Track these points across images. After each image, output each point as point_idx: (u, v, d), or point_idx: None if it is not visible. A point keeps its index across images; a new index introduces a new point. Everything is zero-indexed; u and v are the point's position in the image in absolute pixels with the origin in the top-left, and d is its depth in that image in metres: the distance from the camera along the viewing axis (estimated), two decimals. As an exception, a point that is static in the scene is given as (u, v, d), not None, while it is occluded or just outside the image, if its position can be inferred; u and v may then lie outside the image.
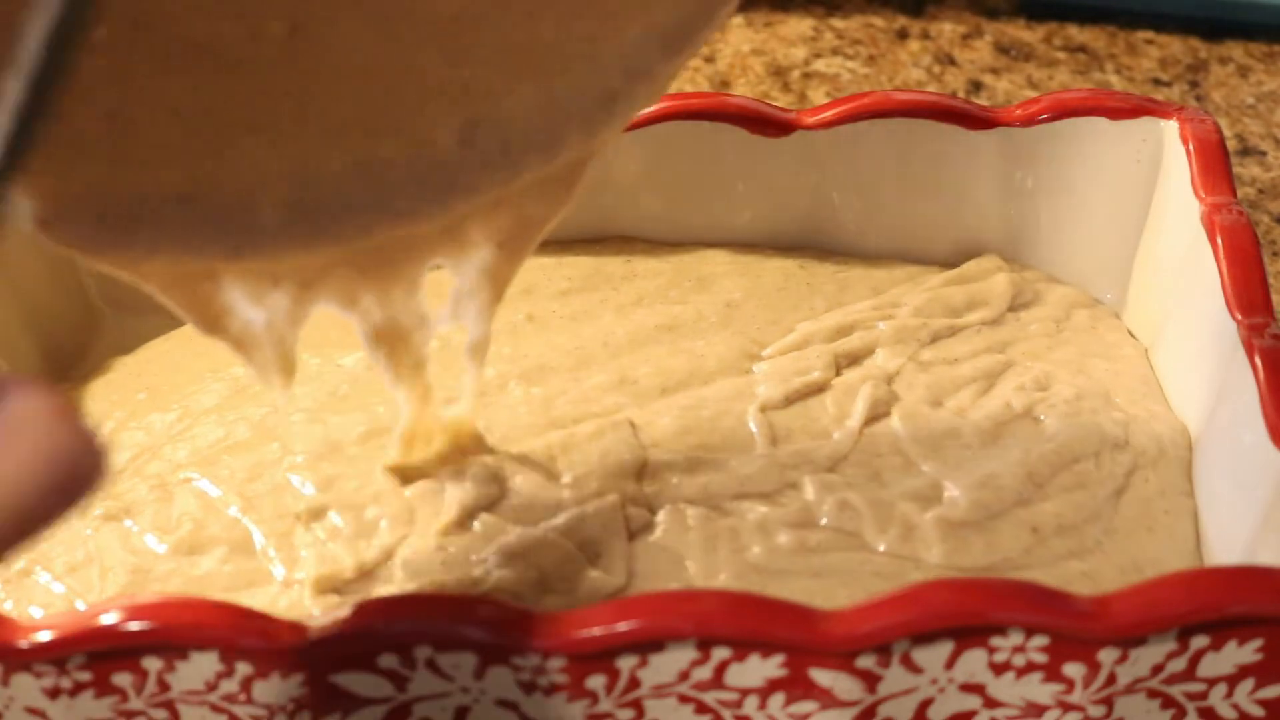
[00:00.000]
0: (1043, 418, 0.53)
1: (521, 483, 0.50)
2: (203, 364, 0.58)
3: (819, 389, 0.53)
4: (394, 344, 0.45)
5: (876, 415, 0.52)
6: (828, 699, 0.41)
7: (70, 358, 0.61)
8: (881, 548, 0.48)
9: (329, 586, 0.47)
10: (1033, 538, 0.48)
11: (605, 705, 0.41)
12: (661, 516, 0.49)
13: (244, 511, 0.50)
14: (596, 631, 0.40)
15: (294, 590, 0.48)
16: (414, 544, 0.48)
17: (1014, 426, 0.52)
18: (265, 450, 0.53)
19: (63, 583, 0.49)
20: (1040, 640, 0.40)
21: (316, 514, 0.50)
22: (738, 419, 0.52)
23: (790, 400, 0.53)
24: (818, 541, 0.48)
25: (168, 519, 0.51)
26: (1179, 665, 0.41)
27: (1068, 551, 0.48)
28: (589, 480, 0.49)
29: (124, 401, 0.57)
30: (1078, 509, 0.49)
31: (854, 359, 0.55)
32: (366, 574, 0.48)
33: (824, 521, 0.49)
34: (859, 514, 0.49)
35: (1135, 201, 0.59)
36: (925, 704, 0.42)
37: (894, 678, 0.41)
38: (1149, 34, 0.83)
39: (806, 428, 0.52)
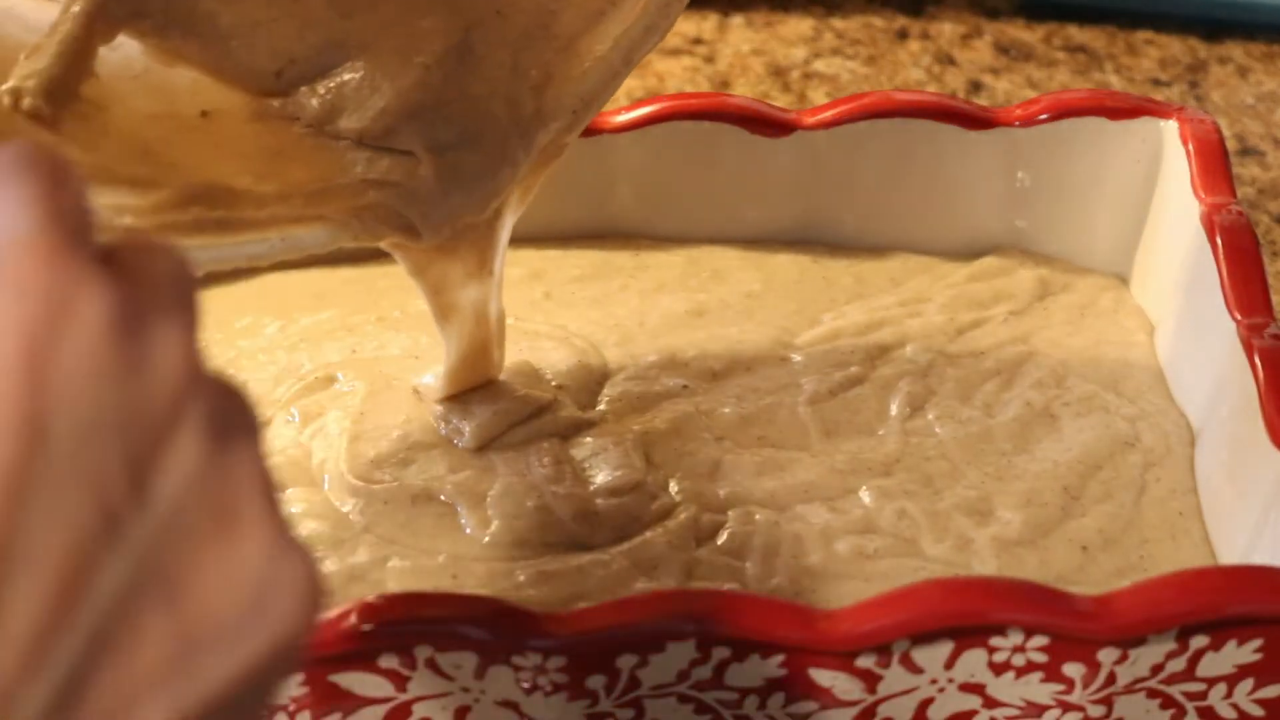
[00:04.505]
0: (1060, 416, 0.54)
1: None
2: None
3: (857, 382, 0.55)
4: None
5: (914, 410, 0.54)
6: (828, 699, 0.41)
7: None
8: (936, 555, 0.49)
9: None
10: (1083, 556, 0.49)
11: (605, 705, 0.41)
12: (731, 519, 0.50)
13: None
14: (596, 631, 0.40)
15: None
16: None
17: (1035, 427, 0.54)
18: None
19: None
20: (1040, 640, 0.40)
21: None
22: (790, 411, 0.54)
23: (834, 393, 0.55)
24: (875, 549, 0.50)
25: None
26: (1178, 665, 0.41)
27: (1115, 570, 0.49)
28: (671, 481, 0.52)
29: None
30: (1112, 519, 0.50)
31: (885, 351, 0.56)
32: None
33: (882, 528, 0.50)
34: (916, 523, 0.50)
35: (1135, 202, 0.59)
36: (925, 704, 0.42)
37: (894, 678, 0.41)
38: (1149, 34, 0.83)
39: (851, 420, 0.54)
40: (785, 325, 0.58)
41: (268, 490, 0.27)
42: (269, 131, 0.43)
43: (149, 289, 0.26)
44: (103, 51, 0.41)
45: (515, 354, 0.55)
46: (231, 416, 0.27)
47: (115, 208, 0.42)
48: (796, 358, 0.56)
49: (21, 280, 0.24)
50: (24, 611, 0.23)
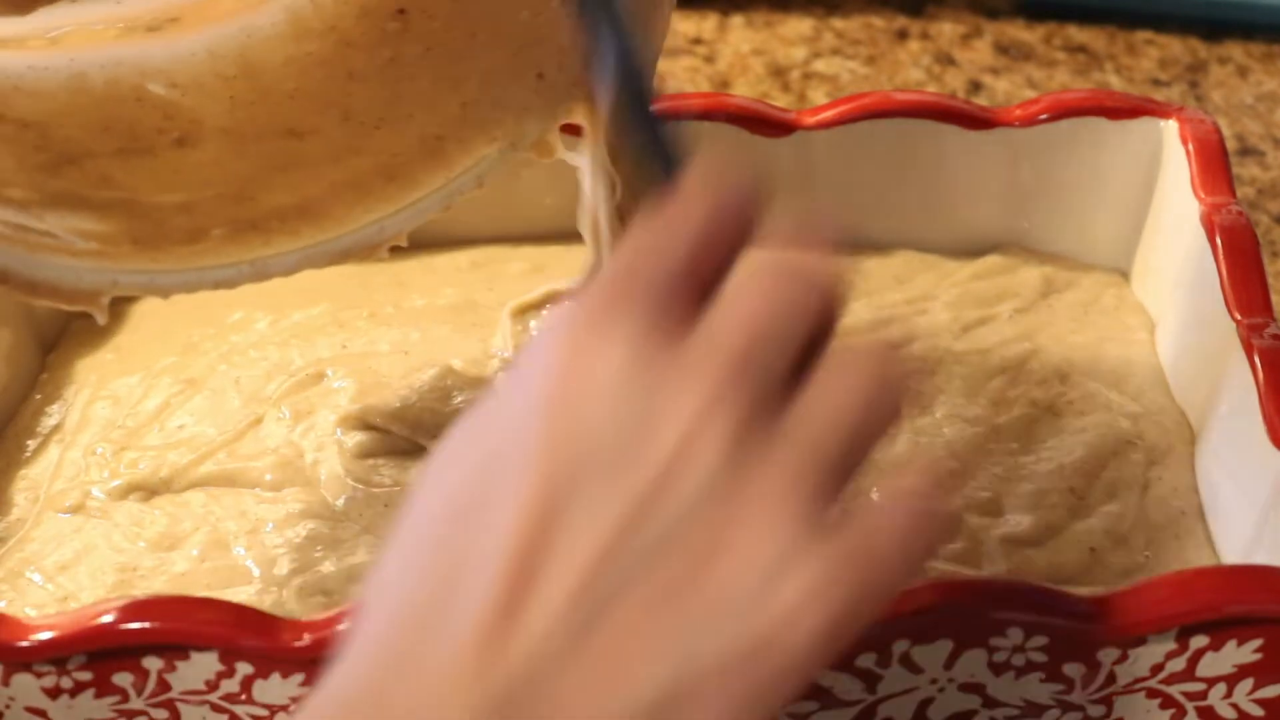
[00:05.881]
0: (1064, 414, 0.54)
1: None
2: (176, 325, 0.59)
3: None
4: None
5: (922, 409, 0.55)
6: (828, 699, 0.41)
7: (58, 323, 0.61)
8: (947, 555, 0.49)
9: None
10: (1091, 557, 0.49)
11: (605, 705, 0.41)
12: None
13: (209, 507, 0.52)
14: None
15: (275, 590, 0.48)
16: None
17: (1040, 425, 0.54)
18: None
19: (55, 583, 0.49)
20: (1039, 640, 0.40)
21: None
22: None
23: None
24: None
25: (146, 516, 0.51)
26: (1178, 665, 0.41)
27: (1122, 570, 0.49)
28: None
29: (97, 365, 0.58)
30: (1118, 520, 0.50)
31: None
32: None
33: None
34: None
35: (1135, 202, 0.59)
36: (925, 704, 0.42)
37: (894, 677, 0.41)
38: (1149, 34, 0.83)
39: None
40: None
41: (795, 497, 0.30)
42: (255, 154, 0.43)
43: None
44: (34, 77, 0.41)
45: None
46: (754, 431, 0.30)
47: (79, 232, 0.42)
48: None
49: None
50: (559, 575, 0.29)
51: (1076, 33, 0.84)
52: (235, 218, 0.44)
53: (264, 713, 0.42)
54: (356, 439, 0.52)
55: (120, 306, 0.61)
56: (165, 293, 0.45)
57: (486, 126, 0.45)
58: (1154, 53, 0.82)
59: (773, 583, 0.29)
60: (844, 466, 0.31)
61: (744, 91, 0.79)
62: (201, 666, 0.41)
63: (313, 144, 0.43)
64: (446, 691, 0.29)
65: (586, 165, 0.48)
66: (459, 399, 0.53)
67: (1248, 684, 0.42)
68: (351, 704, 0.30)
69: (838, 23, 0.85)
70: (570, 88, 0.46)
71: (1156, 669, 0.41)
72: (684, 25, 0.84)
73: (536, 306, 0.56)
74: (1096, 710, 0.42)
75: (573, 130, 0.46)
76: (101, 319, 0.45)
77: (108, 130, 0.41)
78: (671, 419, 0.30)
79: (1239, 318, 0.49)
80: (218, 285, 0.45)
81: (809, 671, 0.30)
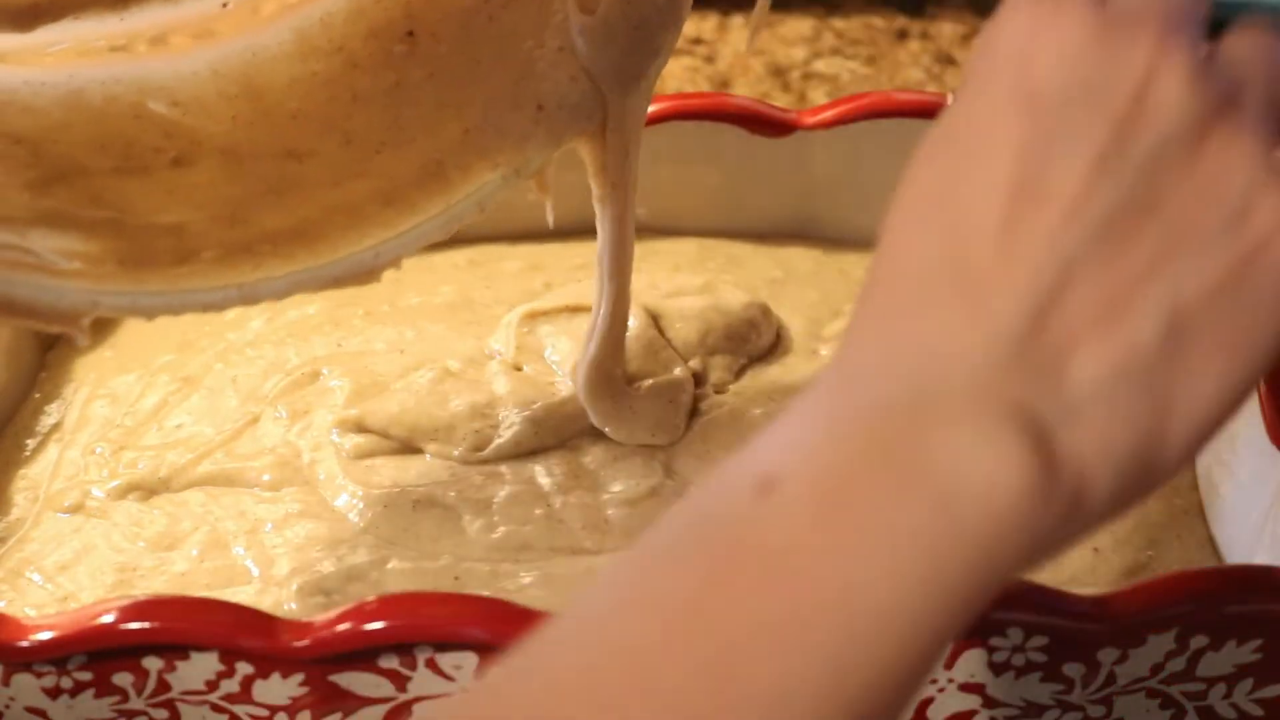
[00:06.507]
0: None
1: None
2: (173, 321, 0.59)
3: None
4: None
5: None
6: (827, 699, 0.41)
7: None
8: None
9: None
10: (1095, 557, 0.49)
11: (605, 705, 0.41)
12: None
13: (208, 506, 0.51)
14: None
15: (275, 590, 0.48)
16: None
17: None
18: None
19: (55, 583, 0.49)
20: (1039, 640, 0.40)
21: None
22: None
23: None
24: None
25: (146, 516, 0.51)
26: (1178, 665, 0.41)
27: (1124, 569, 0.49)
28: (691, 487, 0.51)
29: (95, 364, 0.58)
30: (1120, 520, 0.50)
31: None
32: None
33: None
34: None
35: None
36: (925, 704, 0.42)
37: (894, 677, 0.41)
38: (1149, 34, 0.83)
39: None
40: (811, 315, 0.58)
41: (1252, 136, 0.32)
42: (252, 176, 0.43)
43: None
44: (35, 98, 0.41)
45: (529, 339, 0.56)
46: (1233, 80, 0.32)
47: (64, 252, 0.42)
48: (824, 351, 0.56)
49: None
50: (1059, 192, 0.31)
51: (1076, 33, 0.84)
52: (227, 240, 0.43)
53: (264, 713, 0.42)
54: (353, 441, 0.52)
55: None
56: (149, 314, 0.44)
57: (488, 153, 0.45)
58: (1154, 53, 0.82)
59: (1246, 210, 0.31)
60: (1273, 116, 0.33)
61: (744, 91, 0.79)
62: (201, 666, 0.41)
63: (312, 166, 0.43)
64: (956, 320, 0.30)
65: (596, 203, 0.48)
66: (456, 402, 0.53)
67: (1248, 684, 0.42)
68: (882, 346, 0.31)
69: (838, 23, 0.84)
70: (570, 123, 0.46)
71: (1156, 669, 0.41)
72: (684, 25, 0.83)
73: (544, 315, 0.56)
74: (1096, 710, 0.42)
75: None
76: (82, 340, 0.44)
77: (103, 148, 0.41)
78: (1134, 61, 0.32)
79: (1239, 318, 0.49)
80: (205, 308, 0.44)
81: None
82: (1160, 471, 0.31)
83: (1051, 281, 0.30)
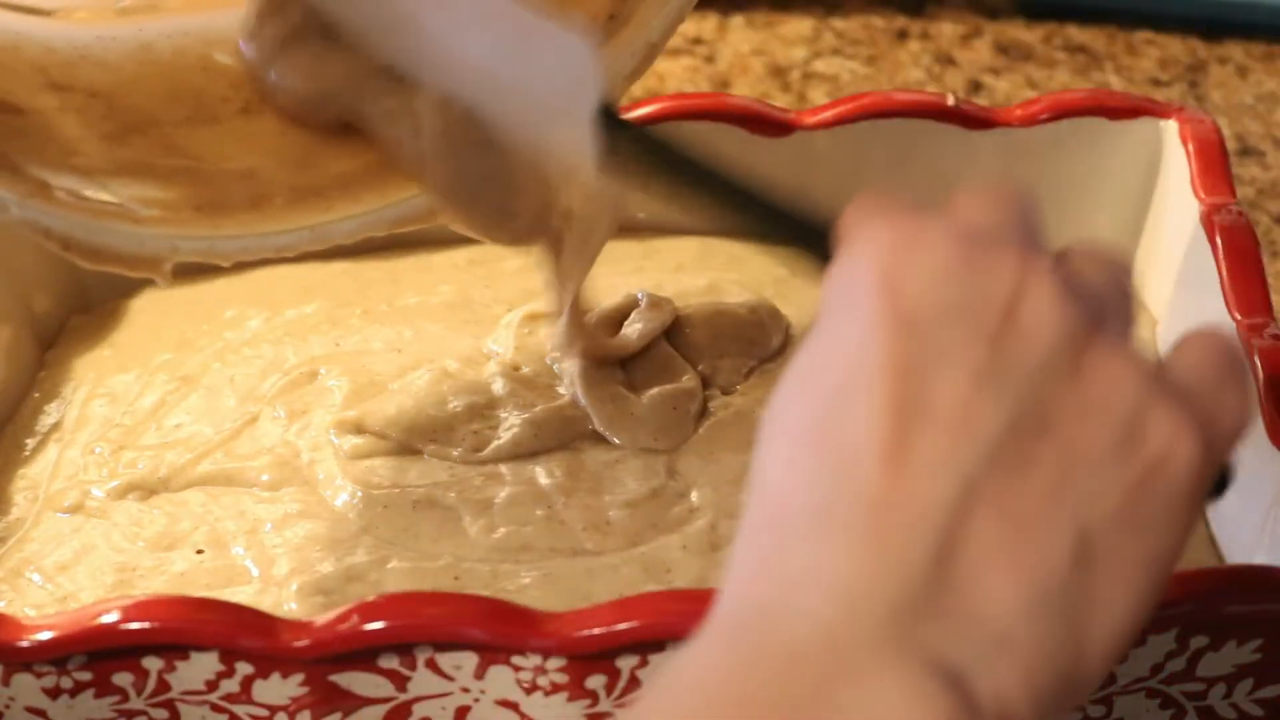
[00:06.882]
0: None
1: None
2: (171, 321, 0.59)
3: None
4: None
5: None
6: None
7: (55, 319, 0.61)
8: None
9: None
10: None
11: (605, 705, 0.41)
12: None
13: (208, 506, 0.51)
14: (596, 631, 0.40)
15: (274, 590, 0.48)
16: None
17: None
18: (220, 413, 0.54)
19: (55, 583, 0.49)
20: (1040, 640, 0.40)
21: None
22: None
23: None
24: None
25: (145, 516, 0.51)
26: (1178, 665, 0.41)
27: None
28: (693, 490, 0.51)
29: (94, 363, 0.58)
30: None
31: None
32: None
33: None
34: None
35: (1135, 202, 0.59)
36: (925, 704, 0.42)
37: (894, 677, 0.41)
38: (1148, 34, 0.83)
39: None
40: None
41: (1129, 349, 0.32)
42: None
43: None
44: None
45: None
46: (1095, 292, 0.33)
47: (143, 200, 0.42)
48: None
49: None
50: (935, 422, 0.30)
51: (1076, 33, 0.84)
52: (297, 184, 0.43)
53: (264, 713, 0.42)
54: (352, 442, 0.52)
55: (116, 303, 0.61)
56: (226, 259, 0.45)
57: None
58: (1154, 53, 0.82)
59: (1138, 427, 0.31)
60: (1131, 332, 0.34)
61: (744, 91, 0.79)
62: (201, 666, 0.41)
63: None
64: (856, 558, 0.30)
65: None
66: (454, 403, 0.53)
67: (1248, 684, 0.42)
68: (765, 576, 0.31)
69: (838, 23, 0.85)
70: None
71: (1156, 669, 0.41)
72: (684, 25, 0.83)
73: (547, 316, 0.56)
74: (1096, 710, 0.42)
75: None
76: (165, 283, 0.45)
77: (174, 100, 0.41)
78: (1002, 279, 0.32)
79: (1239, 318, 0.49)
80: (279, 251, 0.45)
81: (1196, 500, 0.32)
82: (1082, 690, 0.30)
83: (951, 509, 0.30)
